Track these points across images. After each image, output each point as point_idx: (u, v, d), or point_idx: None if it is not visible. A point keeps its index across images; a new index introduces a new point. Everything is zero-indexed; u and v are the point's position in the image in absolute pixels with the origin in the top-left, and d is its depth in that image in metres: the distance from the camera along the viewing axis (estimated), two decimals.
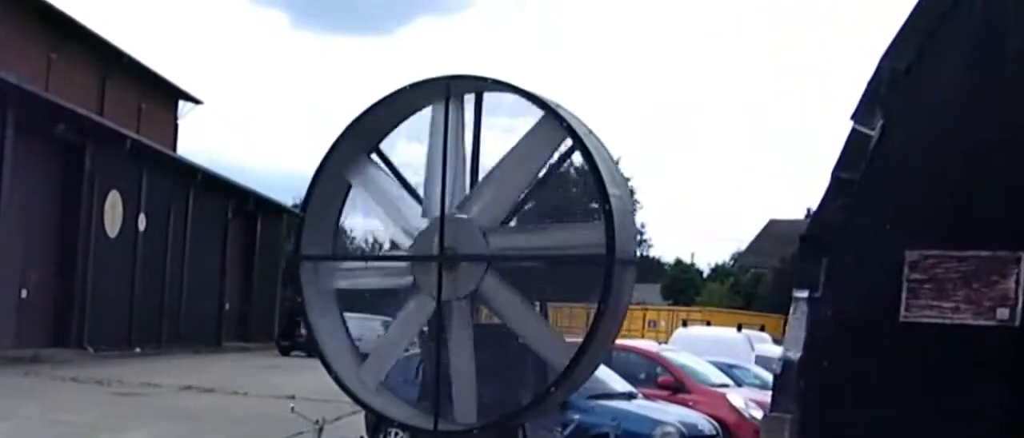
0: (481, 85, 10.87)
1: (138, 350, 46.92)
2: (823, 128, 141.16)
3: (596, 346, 10.34)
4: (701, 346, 25.98)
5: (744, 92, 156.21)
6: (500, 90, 10.78)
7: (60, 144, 42.31)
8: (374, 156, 11.34)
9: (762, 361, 25.95)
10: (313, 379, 32.83)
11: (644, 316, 61.27)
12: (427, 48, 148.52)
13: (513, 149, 10.49)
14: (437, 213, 10.55)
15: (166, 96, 65.13)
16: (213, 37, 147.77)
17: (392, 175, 11.30)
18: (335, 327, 11.55)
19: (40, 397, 25.93)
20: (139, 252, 49.34)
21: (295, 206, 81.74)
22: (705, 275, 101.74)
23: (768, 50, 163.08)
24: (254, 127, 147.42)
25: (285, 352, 58.61)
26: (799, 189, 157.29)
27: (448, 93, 10.76)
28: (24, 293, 40.35)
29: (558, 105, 10.35)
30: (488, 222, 10.50)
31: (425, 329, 11.15)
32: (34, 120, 38.96)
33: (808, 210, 59.67)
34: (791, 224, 71.73)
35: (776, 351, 26.10)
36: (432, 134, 10.86)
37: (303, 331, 58.76)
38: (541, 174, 10.70)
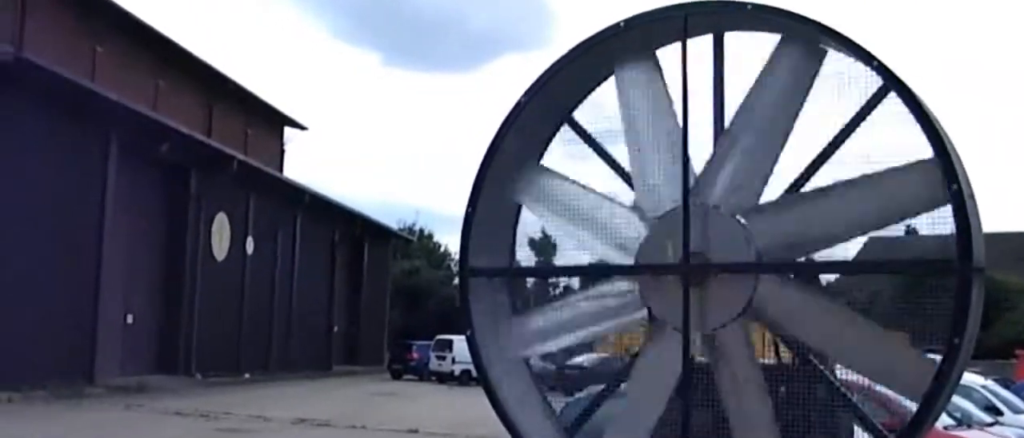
0: (730, 18, 7.03)
1: (247, 376, 44.12)
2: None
3: (937, 411, 6.42)
4: None
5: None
6: (769, 28, 6.94)
7: (166, 166, 39.55)
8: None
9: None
10: (431, 408, 29.38)
11: None
12: (511, 84, 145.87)
13: (753, 88, 6.77)
14: (663, 207, 6.74)
15: (271, 122, 63.05)
16: (311, 73, 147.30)
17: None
18: (510, 362, 7.79)
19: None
20: (247, 276, 46.48)
21: (401, 230, 79.75)
22: None
23: None
24: (352, 157, 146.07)
25: (396, 375, 56.96)
26: None
27: (685, 31, 6.95)
28: (129, 319, 37.45)
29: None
30: (740, 199, 6.68)
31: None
32: (139, 142, 36.34)
33: None
34: None
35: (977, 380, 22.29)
36: (620, 99, 7.07)
37: (414, 354, 57.47)
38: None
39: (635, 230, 7.14)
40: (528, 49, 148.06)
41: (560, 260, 8.06)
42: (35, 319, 29.95)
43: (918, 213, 6.31)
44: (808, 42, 6.52)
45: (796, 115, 6.68)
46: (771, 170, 6.79)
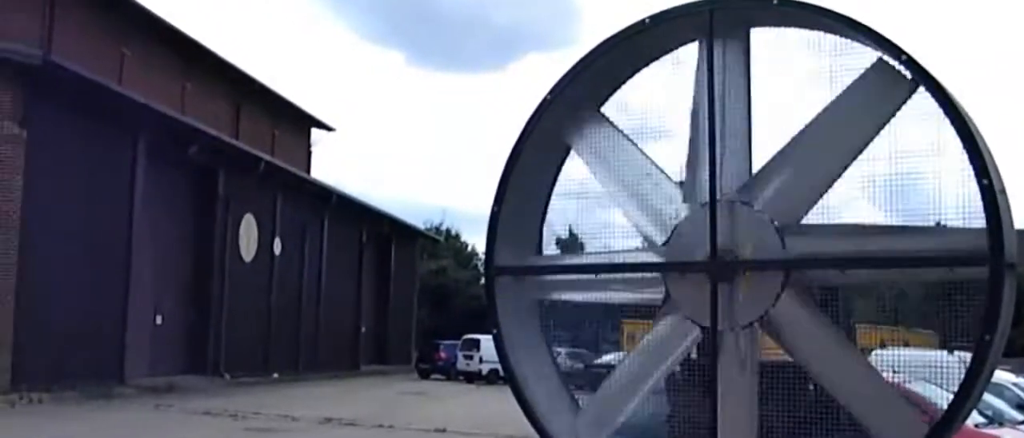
0: (758, 14, 6.96)
1: (275, 376, 44.19)
2: None
3: (968, 409, 6.35)
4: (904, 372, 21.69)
5: None
6: (797, 23, 6.87)
7: (194, 167, 39.59)
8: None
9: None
10: (458, 407, 29.33)
11: None
12: (537, 83, 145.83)
13: (829, 107, 6.57)
14: (704, 199, 6.66)
15: (299, 123, 63.09)
16: (337, 74, 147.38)
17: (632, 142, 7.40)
18: (539, 361, 7.71)
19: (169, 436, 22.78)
20: (275, 276, 46.55)
21: (428, 229, 79.81)
22: None
23: None
24: (379, 157, 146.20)
25: (424, 375, 57.02)
26: None
27: (710, 28, 6.89)
28: (158, 319, 37.54)
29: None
30: (787, 212, 6.58)
31: (677, 369, 7.28)
32: (167, 143, 36.42)
33: None
34: None
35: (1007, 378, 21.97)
36: (696, 86, 7.00)
37: (442, 353, 57.49)
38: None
39: (674, 210, 7.09)
40: (553, 48, 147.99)
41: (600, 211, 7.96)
42: (65, 320, 30.04)
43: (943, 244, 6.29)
44: (895, 72, 6.42)
45: (864, 145, 6.59)
46: (823, 190, 6.72)
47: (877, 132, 6.49)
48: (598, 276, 7.57)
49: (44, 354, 28.90)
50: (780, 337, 6.77)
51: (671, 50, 7.37)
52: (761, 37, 7.11)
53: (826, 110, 6.61)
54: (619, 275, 7.45)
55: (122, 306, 33.90)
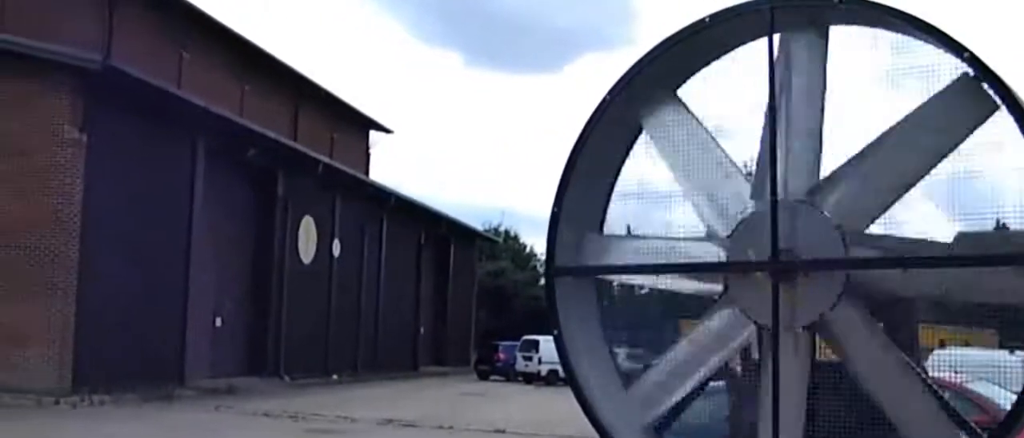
0: (821, 12, 6.83)
1: (334, 377, 44.35)
2: None
3: None
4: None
5: None
6: (860, 21, 6.73)
7: (252, 170, 39.80)
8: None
9: None
10: (518, 408, 29.22)
11: None
12: (594, 83, 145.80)
13: (908, 118, 6.40)
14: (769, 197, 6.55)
15: (357, 125, 63.52)
16: (395, 75, 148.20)
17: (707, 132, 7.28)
18: (599, 362, 7.62)
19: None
20: (334, 278, 46.63)
21: (486, 230, 79.88)
22: None
23: None
24: (437, 159, 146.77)
25: (483, 376, 57.04)
26: None
27: (771, 26, 6.77)
28: (218, 321, 37.80)
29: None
30: (853, 220, 6.44)
31: (736, 366, 7.17)
32: (226, 146, 36.66)
33: None
34: None
35: None
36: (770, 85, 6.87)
37: (501, 354, 57.51)
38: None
39: (741, 205, 6.98)
40: (611, 47, 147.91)
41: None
42: (126, 322, 30.30)
43: None
44: (980, 90, 6.26)
45: (940, 160, 6.44)
46: (893, 199, 6.58)
47: (954, 148, 6.33)
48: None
49: (105, 356, 29.13)
50: (835, 342, 6.65)
51: (731, 48, 7.26)
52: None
53: (905, 120, 6.44)
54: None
55: (182, 308, 34.17)
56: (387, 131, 66.67)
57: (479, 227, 75.90)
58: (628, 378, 7.91)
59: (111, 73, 29.03)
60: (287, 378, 40.57)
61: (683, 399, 7.44)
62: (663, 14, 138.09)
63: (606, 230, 7.88)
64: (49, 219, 28.39)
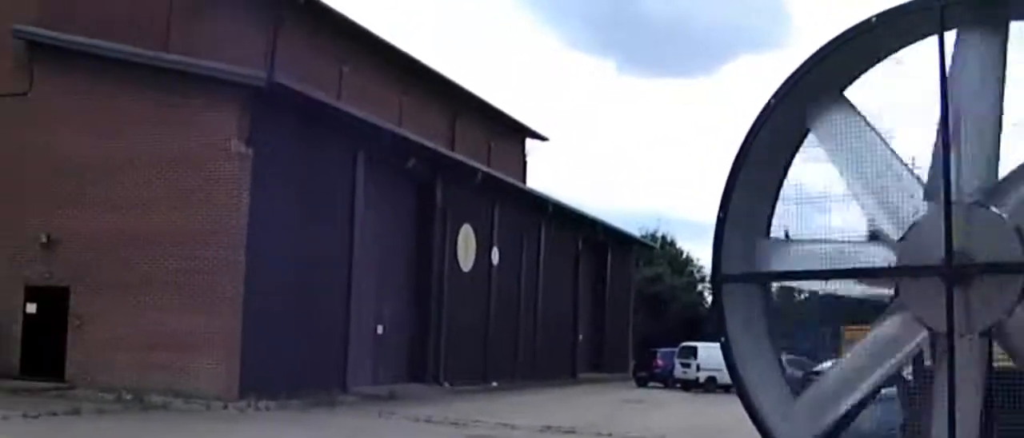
0: (991, 10, 6.58)
1: (494, 384, 44.46)
2: None
3: None
4: None
5: None
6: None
7: (412, 179, 40.26)
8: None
9: None
10: (678, 416, 28.96)
11: None
12: (748, 86, 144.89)
13: None
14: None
15: (513, 134, 63.76)
16: (549, 83, 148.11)
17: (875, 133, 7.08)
18: (765, 368, 7.46)
19: None
20: (493, 285, 46.88)
21: (643, 236, 79.45)
22: None
23: None
24: (592, 165, 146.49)
25: (642, 383, 56.57)
26: None
27: (941, 24, 6.55)
28: (380, 329, 38.20)
29: None
30: None
31: (908, 373, 6.96)
32: (386, 156, 37.07)
33: None
34: None
35: None
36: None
37: (659, 361, 57.11)
38: None
39: (913, 207, 6.78)
40: (764, 50, 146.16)
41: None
42: (291, 329, 30.87)
43: None
44: None
45: None
46: None
47: None
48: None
49: (270, 362, 29.73)
50: (1013, 348, 6.40)
51: (897, 49, 7.06)
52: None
53: None
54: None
55: (344, 316, 34.71)
56: (543, 139, 66.77)
57: (636, 233, 75.51)
58: (794, 385, 7.76)
59: (275, 88, 29.61)
60: (447, 384, 40.83)
61: (853, 407, 7.27)
62: (817, 14, 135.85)
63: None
64: (218, 231, 29.11)
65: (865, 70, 7.22)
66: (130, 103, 30.60)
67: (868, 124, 7.12)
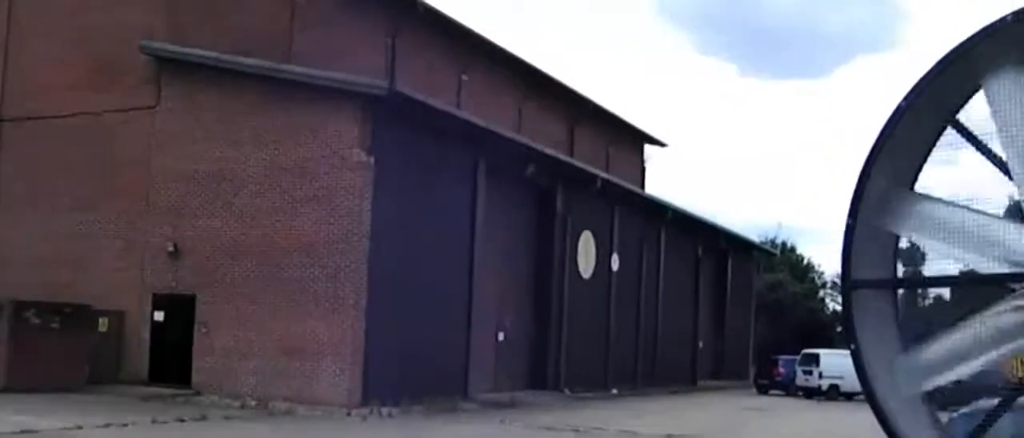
0: None
1: (614, 391, 44.22)
2: None
3: None
4: None
5: None
6: None
7: (531, 186, 40.15)
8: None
9: None
10: (801, 423, 28.50)
11: None
12: (867, 87, 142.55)
13: None
14: None
15: (632, 140, 63.53)
16: (668, 88, 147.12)
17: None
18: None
19: None
20: (612, 292, 46.56)
21: (763, 242, 78.63)
22: None
23: None
24: (712, 171, 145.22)
25: (762, 390, 55.96)
26: None
27: None
28: (500, 336, 38.17)
29: None
30: None
31: None
32: (506, 163, 37.03)
33: None
34: None
35: None
36: None
37: (780, 369, 56.40)
38: None
39: None
40: (881, 50, 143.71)
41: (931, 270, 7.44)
42: (412, 337, 30.96)
43: None
44: None
45: None
46: None
47: None
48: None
49: (392, 370, 29.85)
50: None
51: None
52: None
53: None
54: (988, 312, 6.85)
55: (466, 323, 34.76)
56: (662, 145, 66.35)
57: (756, 239, 74.71)
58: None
59: (396, 97, 29.75)
60: (567, 391, 40.68)
61: (989, 415, 7.01)
62: (935, 13, 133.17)
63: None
64: (340, 238, 29.32)
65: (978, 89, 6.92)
66: (253, 114, 31.02)
67: (959, 206, 6.84)
